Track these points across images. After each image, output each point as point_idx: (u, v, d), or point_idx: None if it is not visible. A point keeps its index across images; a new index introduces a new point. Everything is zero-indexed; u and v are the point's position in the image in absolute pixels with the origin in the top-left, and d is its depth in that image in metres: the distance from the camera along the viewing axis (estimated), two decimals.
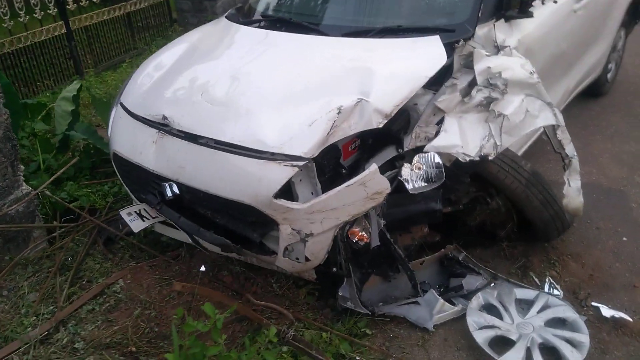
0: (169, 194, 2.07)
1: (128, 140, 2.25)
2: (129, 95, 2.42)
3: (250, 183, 1.87)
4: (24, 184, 2.43)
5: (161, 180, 2.10)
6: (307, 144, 1.84)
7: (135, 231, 2.24)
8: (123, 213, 2.23)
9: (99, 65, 5.53)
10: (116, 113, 2.42)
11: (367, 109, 1.91)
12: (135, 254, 2.53)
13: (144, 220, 2.25)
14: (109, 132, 2.42)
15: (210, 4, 6.41)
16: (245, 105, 2.04)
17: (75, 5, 5.19)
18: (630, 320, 2.04)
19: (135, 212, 2.23)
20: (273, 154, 1.86)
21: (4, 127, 2.26)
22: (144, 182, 2.21)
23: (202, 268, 2.35)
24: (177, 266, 2.41)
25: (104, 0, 5.61)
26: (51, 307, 2.16)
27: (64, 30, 5.02)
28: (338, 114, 1.88)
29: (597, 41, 3.40)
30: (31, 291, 2.26)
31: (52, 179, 2.63)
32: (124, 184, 2.43)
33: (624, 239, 2.52)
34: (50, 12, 4.89)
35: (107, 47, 5.67)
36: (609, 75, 3.98)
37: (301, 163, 1.83)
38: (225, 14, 2.92)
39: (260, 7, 2.86)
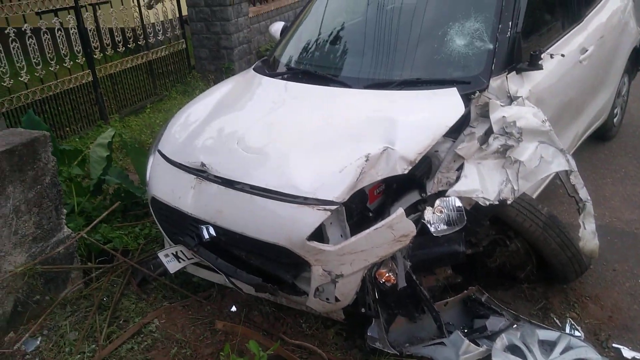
0: (206, 236, 2.18)
1: (167, 185, 2.38)
2: (166, 143, 2.57)
3: (284, 226, 1.99)
4: (65, 226, 2.56)
5: (198, 223, 2.22)
6: (338, 190, 1.97)
7: (172, 272, 2.35)
8: (161, 255, 2.35)
9: (122, 110, 5.77)
10: (154, 160, 2.57)
11: (392, 157, 2.05)
12: (168, 294, 2.62)
13: (179, 262, 2.37)
14: (147, 178, 2.56)
15: (227, 52, 6.70)
16: (279, 152, 2.19)
17: (102, 54, 5.48)
18: None
19: (172, 253, 2.35)
20: (306, 198, 1.99)
21: (51, 173, 2.42)
22: (182, 225, 2.33)
23: (233, 308, 2.45)
24: (209, 306, 2.50)
25: (128, 49, 5.91)
26: (92, 346, 2.24)
27: (90, 78, 5.28)
28: (366, 161, 2.01)
29: (603, 88, 3.57)
30: (71, 330, 2.35)
31: (96, 222, 2.77)
32: (159, 227, 2.55)
33: None
34: (79, 61, 5.17)
35: (129, 93, 5.93)
36: (615, 120, 4.13)
37: (333, 207, 1.95)
38: (253, 66, 3.11)
39: (284, 60, 3.06)
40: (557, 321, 2.33)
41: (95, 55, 5.35)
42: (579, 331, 2.24)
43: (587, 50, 3.05)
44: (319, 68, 2.80)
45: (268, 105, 2.58)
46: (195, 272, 2.53)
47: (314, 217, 1.95)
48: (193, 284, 2.68)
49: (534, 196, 2.60)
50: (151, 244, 3.07)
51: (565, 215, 3.01)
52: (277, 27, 3.44)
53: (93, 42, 5.28)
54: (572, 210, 2.91)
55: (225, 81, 3.11)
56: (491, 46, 2.43)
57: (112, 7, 5.53)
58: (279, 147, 2.22)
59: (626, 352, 2.13)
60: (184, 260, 2.37)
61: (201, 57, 6.85)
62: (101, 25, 5.40)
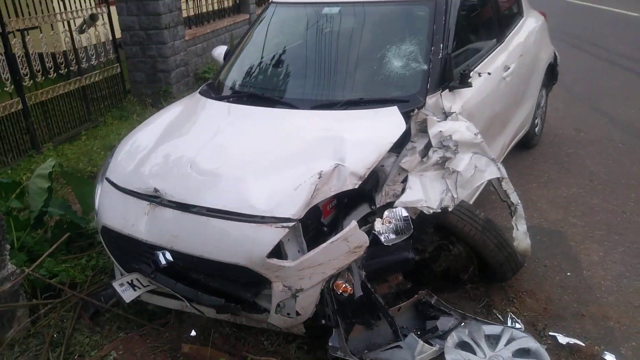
0: (163, 262, 2.19)
1: (118, 213, 2.36)
2: (114, 170, 2.55)
3: (244, 245, 2.05)
4: (9, 263, 2.46)
5: (154, 249, 2.22)
6: (294, 207, 2.06)
7: (128, 301, 2.32)
8: (115, 284, 2.32)
9: (54, 138, 5.54)
10: (103, 188, 2.53)
11: (343, 173, 2.17)
12: (123, 324, 2.57)
13: (135, 290, 2.34)
14: (96, 207, 2.52)
15: (164, 75, 6.64)
16: (233, 174, 2.25)
17: (31, 81, 5.27)
18: (583, 345, 2.33)
19: (127, 282, 2.32)
20: (264, 217, 2.06)
21: None
22: (136, 253, 2.32)
23: (193, 333, 2.44)
24: (168, 333, 2.49)
25: (60, 75, 5.71)
26: None
27: (20, 107, 5.05)
28: (319, 178, 2.12)
29: (524, 101, 3.91)
30: None
31: (44, 256, 2.66)
32: (111, 256, 2.51)
33: (568, 274, 2.86)
34: (7, 89, 4.93)
35: (62, 120, 5.70)
36: (536, 129, 4.51)
37: (290, 224, 2.04)
38: (199, 90, 3.15)
39: (230, 83, 3.13)
40: (499, 316, 2.52)
41: (25, 82, 5.13)
42: (519, 323, 2.44)
43: (509, 68, 3.35)
44: (266, 90, 2.89)
45: (217, 127, 2.63)
46: (150, 299, 2.50)
47: (272, 235, 2.02)
48: (148, 312, 2.64)
49: (471, 202, 2.81)
50: (99, 275, 2.99)
51: (499, 219, 3.25)
52: (219, 51, 3.50)
53: (22, 69, 5.07)
54: (505, 214, 3.16)
55: (170, 106, 3.13)
56: (425, 67, 2.63)
57: (41, 32, 5.34)
58: (233, 169, 2.28)
59: (561, 338, 2.36)
60: (139, 288, 2.35)
61: (137, 80, 6.74)
62: (30, 50, 5.20)
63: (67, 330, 2.48)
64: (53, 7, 5.59)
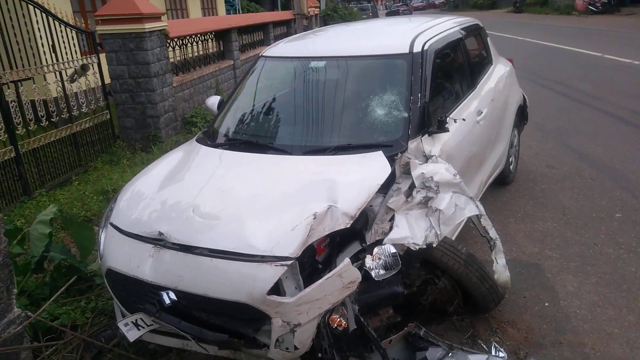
0: (167, 301, 2.31)
1: (124, 256, 2.49)
2: (119, 216, 2.68)
3: (245, 284, 2.19)
4: (15, 307, 2.55)
5: (158, 290, 2.35)
6: (292, 246, 2.22)
7: (131, 340, 2.41)
8: (120, 324, 2.42)
9: (46, 184, 5.65)
10: (107, 233, 2.66)
11: (336, 213, 2.36)
12: None
13: (139, 329, 2.44)
14: (101, 252, 2.64)
15: (153, 120, 6.84)
16: (233, 217, 2.41)
17: (24, 129, 5.40)
18: None
19: (132, 322, 2.42)
20: (264, 256, 2.22)
21: (3, 254, 2.44)
22: (141, 293, 2.43)
23: None
24: None
25: (52, 123, 5.86)
26: None
27: (13, 154, 5.17)
28: (314, 218, 2.30)
29: (498, 141, 4.19)
30: None
31: (51, 300, 2.74)
32: (115, 298, 2.61)
33: (546, 304, 3.05)
34: (0, 137, 5.06)
35: (53, 166, 5.82)
36: (511, 167, 4.80)
37: (289, 262, 2.20)
38: (195, 137, 3.35)
39: (224, 130, 3.33)
40: (484, 346, 2.68)
41: (18, 130, 5.27)
42: (502, 352, 2.60)
43: (482, 112, 3.64)
44: (261, 137, 3.10)
45: (216, 173, 2.81)
46: (151, 339, 2.59)
47: (272, 273, 2.18)
48: (149, 351, 2.73)
49: (454, 238, 3.01)
50: (99, 316, 3.08)
51: (480, 253, 3.45)
52: (213, 101, 3.72)
53: (15, 118, 5.22)
54: (485, 248, 3.37)
55: (168, 154, 3.30)
56: (406, 115, 2.88)
57: (34, 83, 5.52)
58: (233, 212, 2.45)
59: None
60: (143, 327, 2.45)
61: (127, 126, 6.92)
62: (23, 99, 5.36)
63: None
64: (45, 59, 5.79)
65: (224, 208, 2.48)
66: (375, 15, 39.31)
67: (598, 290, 3.14)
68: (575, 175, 5.02)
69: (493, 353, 2.61)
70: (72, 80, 6.15)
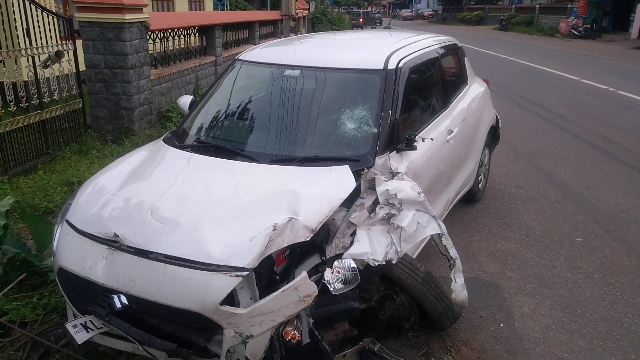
0: (118, 305, 2.27)
1: (76, 256, 2.43)
2: (75, 213, 2.62)
3: (198, 292, 2.16)
4: None
5: (110, 293, 2.30)
6: (248, 257, 2.20)
7: (80, 342, 2.35)
8: (69, 326, 2.36)
9: (9, 170, 5.48)
10: (62, 230, 2.60)
11: (296, 226, 2.34)
12: None
13: (88, 332, 2.38)
14: (54, 248, 2.58)
15: (127, 113, 6.71)
16: (192, 223, 2.37)
17: None
18: None
19: (81, 324, 2.37)
20: (219, 265, 2.19)
21: None
22: (92, 295, 2.38)
23: None
24: None
25: (20, 108, 5.71)
26: None
27: None
28: (274, 230, 2.28)
29: (468, 160, 4.25)
30: None
31: (2, 293, 2.66)
32: (66, 297, 2.54)
33: (501, 325, 3.10)
34: None
35: (19, 153, 5.65)
36: (480, 185, 4.86)
37: (244, 273, 2.17)
38: (162, 137, 3.29)
39: (194, 132, 3.29)
40: None
41: None
42: None
43: (452, 132, 3.67)
44: (228, 142, 3.07)
45: (179, 176, 2.77)
46: (102, 341, 2.53)
47: (226, 283, 2.15)
48: (99, 354, 2.67)
49: (414, 256, 3.03)
50: (50, 314, 3.00)
51: (441, 270, 3.49)
52: (185, 101, 3.67)
53: None
54: (446, 266, 3.40)
55: (133, 152, 3.24)
56: (375, 130, 2.89)
57: (5, 67, 5.37)
58: (192, 218, 2.41)
59: None
60: (92, 330, 2.40)
61: (99, 116, 6.78)
62: None
63: None
64: (19, 43, 5.64)
65: (183, 213, 2.44)
66: (379, 23, 38.21)
67: (552, 314, 3.20)
68: (542, 197, 5.12)
69: None
70: (45, 65, 5.99)
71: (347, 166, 2.71)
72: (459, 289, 2.82)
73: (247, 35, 12.13)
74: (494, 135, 4.99)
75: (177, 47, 8.32)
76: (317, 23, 24.15)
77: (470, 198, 4.71)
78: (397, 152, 2.94)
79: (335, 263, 2.43)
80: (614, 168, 6.04)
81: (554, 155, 6.54)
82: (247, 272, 2.18)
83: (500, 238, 4.23)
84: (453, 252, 2.82)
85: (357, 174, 2.69)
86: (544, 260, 3.87)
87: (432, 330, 2.90)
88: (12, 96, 5.49)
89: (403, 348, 2.82)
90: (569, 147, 6.91)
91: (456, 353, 2.81)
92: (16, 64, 5.57)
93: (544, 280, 3.58)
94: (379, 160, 2.82)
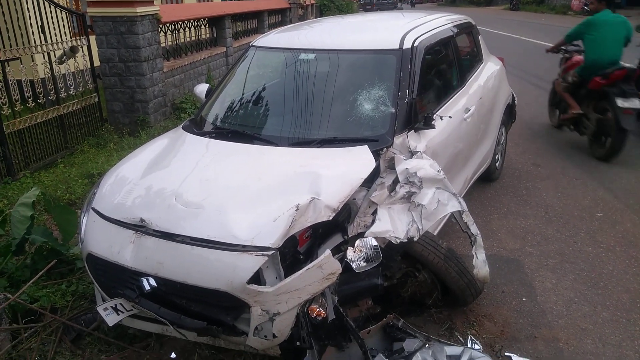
0: (147, 287, 2.32)
1: (104, 241, 2.49)
2: (101, 201, 2.68)
3: (225, 272, 2.21)
4: None
5: (138, 276, 2.36)
6: (273, 237, 2.24)
7: (111, 325, 2.43)
8: (99, 308, 2.43)
9: (30, 165, 5.59)
10: (89, 218, 2.66)
11: (319, 206, 2.37)
12: (104, 348, 2.67)
13: (118, 314, 2.45)
14: (82, 236, 2.64)
15: (142, 105, 6.78)
16: (216, 206, 2.42)
17: (10, 110, 5.33)
18: None
19: (112, 307, 2.43)
20: (245, 246, 2.23)
21: None
22: (121, 279, 2.44)
23: (173, 355, 2.56)
24: (148, 355, 2.59)
25: (38, 104, 5.80)
26: None
27: None
28: (296, 210, 2.31)
29: (485, 139, 4.23)
30: None
31: (31, 282, 2.74)
32: (95, 282, 2.61)
33: (524, 299, 3.11)
34: None
35: (39, 148, 5.76)
36: (497, 164, 4.84)
37: (269, 252, 2.21)
38: (181, 125, 3.33)
39: (211, 119, 3.33)
40: (460, 338, 2.73)
41: (3, 111, 5.21)
42: (478, 345, 2.65)
43: (469, 110, 3.66)
44: (247, 128, 3.10)
45: (200, 162, 2.81)
46: (131, 323, 2.61)
47: (253, 263, 2.19)
48: (129, 336, 2.75)
49: (435, 233, 3.04)
50: (79, 300, 3.08)
51: (461, 248, 3.50)
52: (201, 89, 3.70)
53: (0, 98, 5.15)
54: (466, 244, 3.41)
55: (153, 140, 3.28)
56: (393, 110, 2.89)
57: (22, 64, 5.45)
58: (216, 201, 2.45)
59: (515, 358, 2.58)
60: (122, 312, 2.46)
61: (115, 110, 6.86)
62: (10, 79, 5.29)
63: (48, 354, 2.56)
64: (34, 40, 5.71)
65: (207, 197, 2.48)
66: (394, 6, 36.57)
67: (575, 287, 3.20)
68: (560, 174, 5.08)
69: (469, 345, 2.66)
70: (60, 61, 6.07)
71: (366, 146, 2.72)
72: (480, 265, 2.83)
73: (257, 25, 12.12)
74: (510, 114, 4.95)
75: (188, 39, 8.35)
76: (325, 10, 23.97)
77: (487, 177, 4.70)
78: (415, 132, 2.95)
79: (357, 242, 2.46)
80: (632, 144, 5.93)
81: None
82: (272, 252, 2.22)
83: (519, 215, 4.22)
84: (474, 228, 2.83)
85: (376, 154, 2.70)
86: (564, 235, 3.86)
87: (454, 306, 2.93)
88: (30, 92, 5.58)
89: (426, 324, 2.85)
90: None
91: (479, 327, 2.83)
92: (32, 61, 5.65)
93: (565, 255, 3.58)
94: (398, 140, 2.82)
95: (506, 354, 2.62)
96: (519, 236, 3.88)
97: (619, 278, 3.28)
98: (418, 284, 2.82)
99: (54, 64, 5.93)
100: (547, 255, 3.59)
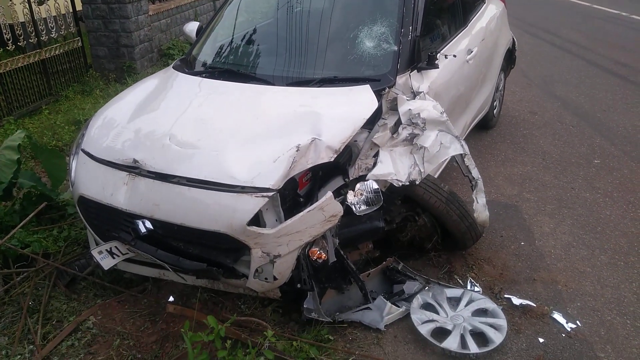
0: (143, 230, 2.25)
1: (96, 183, 2.39)
2: (91, 143, 2.56)
3: (225, 214, 2.14)
4: None
5: (133, 218, 2.28)
6: (273, 178, 2.16)
7: (106, 268, 2.37)
8: (94, 252, 2.36)
9: (14, 112, 5.38)
10: (79, 159, 2.55)
11: (320, 146, 2.28)
12: (100, 292, 2.62)
13: (114, 258, 2.39)
14: (72, 178, 2.54)
15: (128, 50, 6.51)
16: (213, 146, 2.32)
17: None
18: (534, 305, 2.56)
19: (106, 250, 2.37)
20: (244, 187, 2.15)
21: None
22: (115, 221, 2.36)
23: (171, 298, 2.52)
24: (145, 299, 2.55)
25: (19, 48, 5.52)
26: (30, 347, 2.20)
27: None
28: (297, 151, 2.22)
29: (485, 83, 4.11)
30: (0, 335, 2.28)
31: (19, 226, 2.66)
32: (87, 226, 2.54)
33: (522, 243, 3.10)
34: None
35: (22, 94, 5.53)
36: (495, 111, 4.75)
37: (270, 194, 2.14)
38: (172, 65, 3.17)
39: (205, 58, 3.16)
40: (460, 281, 2.73)
41: None
42: (477, 287, 2.65)
43: (472, 51, 3.53)
44: (242, 67, 2.95)
45: (195, 101, 2.68)
46: (127, 268, 2.56)
47: (252, 204, 2.12)
48: (125, 280, 2.70)
49: (436, 176, 2.98)
50: (72, 245, 3.01)
51: (460, 194, 3.45)
52: (191, 27, 3.50)
53: None
54: (465, 189, 3.38)
55: (143, 80, 3.13)
56: (396, 48, 2.76)
57: None
58: (213, 141, 2.35)
59: (515, 300, 2.58)
60: (118, 256, 2.40)
61: (99, 55, 6.59)
62: None
63: (43, 298, 2.51)
64: None
65: (202, 137, 2.38)
66: None
67: (573, 232, 3.20)
68: (557, 122, 5.01)
69: (468, 287, 2.66)
70: (40, 2, 5.74)
71: (368, 86, 2.61)
72: (480, 209, 2.80)
73: None
74: (510, 59, 4.81)
75: None
76: None
77: (484, 124, 4.61)
78: (418, 71, 2.83)
79: (357, 185, 2.40)
80: (629, 91, 5.88)
81: (567, 81, 6.36)
82: (273, 193, 2.15)
83: (516, 162, 4.18)
84: (475, 172, 2.78)
85: (378, 94, 2.59)
86: (562, 182, 3.84)
87: (453, 250, 2.91)
88: (10, 36, 5.29)
89: (425, 267, 2.84)
90: (582, 72, 6.71)
91: (478, 270, 2.83)
92: (10, 1, 5.33)
93: (562, 201, 3.56)
94: (400, 80, 2.71)
95: (506, 296, 2.62)
96: (517, 182, 3.85)
97: (617, 223, 3.28)
98: (418, 228, 2.78)
99: (33, 5, 5.60)
100: (545, 201, 3.57)
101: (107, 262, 2.38)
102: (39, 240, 2.89)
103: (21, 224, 2.70)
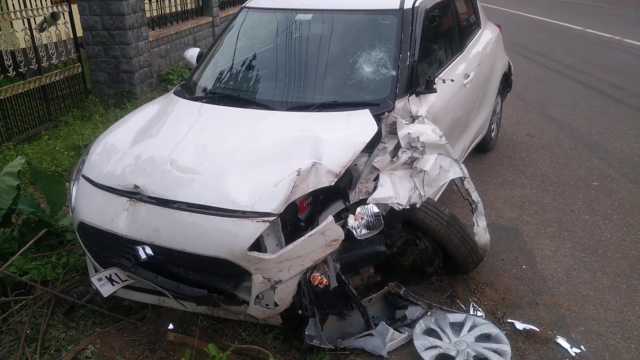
0: (143, 256, 2.24)
1: (97, 209, 2.38)
2: (92, 168, 2.56)
3: (225, 239, 2.12)
4: None
5: (134, 244, 2.26)
6: (274, 202, 2.16)
7: (105, 295, 2.34)
8: (93, 279, 2.34)
9: (13, 138, 5.39)
10: (80, 185, 2.54)
11: (320, 171, 2.29)
12: (98, 320, 2.59)
13: (113, 285, 2.37)
14: (72, 204, 2.53)
15: (128, 76, 6.57)
16: (214, 171, 2.32)
17: None
18: (538, 330, 2.54)
19: (106, 277, 2.35)
20: (245, 212, 2.15)
21: None
22: (115, 248, 2.35)
23: (170, 326, 2.49)
24: (145, 327, 2.52)
25: (20, 74, 5.57)
26: None
27: None
28: (298, 175, 2.23)
29: (482, 107, 4.16)
30: None
31: (19, 253, 2.64)
32: (87, 252, 2.52)
33: (524, 266, 3.09)
34: None
35: (21, 120, 5.55)
36: (492, 134, 4.78)
37: (271, 218, 2.13)
38: (173, 90, 3.20)
39: (206, 84, 3.19)
40: (462, 305, 2.70)
41: None
42: (480, 312, 2.63)
43: (469, 76, 3.57)
44: (243, 92, 2.98)
45: (195, 127, 2.69)
46: (126, 295, 2.53)
47: (254, 229, 2.11)
48: (124, 308, 2.67)
49: (436, 200, 2.98)
50: (70, 272, 2.98)
51: (460, 217, 3.44)
52: (192, 53, 3.55)
53: None
54: (465, 212, 3.38)
55: (144, 106, 3.15)
56: (394, 73, 2.79)
57: (0, 30, 5.20)
58: (213, 167, 2.35)
59: (518, 324, 2.56)
60: (117, 282, 2.38)
61: (99, 81, 6.63)
62: None
63: (41, 326, 2.48)
64: (13, 5, 5.45)
65: (203, 162, 2.38)
66: None
67: (574, 255, 3.19)
68: (555, 145, 5.05)
69: (471, 312, 2.64)
70: (41, 29, 5.82)
71: (368, 110, 2.63)
72: (481, 232, 2.79)
73: None
74: (506, 82, 4.87)
75: (174, 8, 8.07)
76: None
77: (482, 147, 4.64)
78: (416, 96, 2.86)
79: (359, 209, 2.39)
80: (624, 114, 5.95)
81: (564, 103, 6.43)
82: (274, 218, 2.14)
83: (515, 185, 4.19)
84: (475, 195, 2.78)
85: (378, 118, 2.62)
86: (561, 204, 3.84)
87: (455, 274, 2.89)
88: (11, 61, 5.34)
89: (427, 292, 2.82)
90: (578, 95, 6.79)
91: (481, 295, 2.80)
92: (12, 27, 5.40)
93: (563, 224, 3.56)
94: (399, 104, 2.74)
95: (509, 320, 2.60)
96: (516, 205, 3.85)
97: (618, 245, 3.27)
98: (419, 252, 2.77)
99: (34, 32, 5.67)
100: (545, 224, 3.57)
101: (106, 290, 2.36)
102: (38, 268, 2.87)
103: (20, 251, 2.68)
